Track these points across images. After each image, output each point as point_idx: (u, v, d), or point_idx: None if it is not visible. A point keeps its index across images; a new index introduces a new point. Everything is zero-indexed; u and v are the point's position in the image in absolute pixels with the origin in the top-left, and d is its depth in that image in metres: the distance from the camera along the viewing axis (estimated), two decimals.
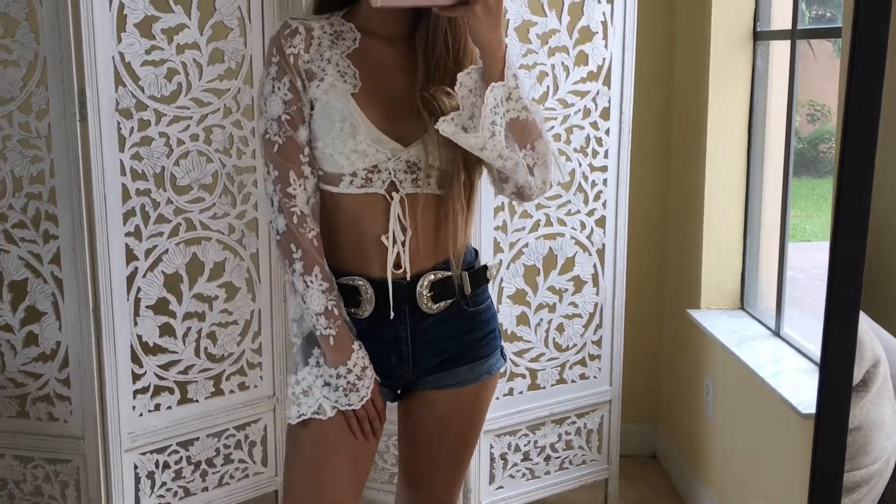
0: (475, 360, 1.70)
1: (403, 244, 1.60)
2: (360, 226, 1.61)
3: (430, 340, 1.66)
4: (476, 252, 1.74)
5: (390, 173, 1.58)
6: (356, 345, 1.61)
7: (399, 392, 1.74)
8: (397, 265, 1.61)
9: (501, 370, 1.79)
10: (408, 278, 1.62)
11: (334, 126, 1.56)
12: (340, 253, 1.64)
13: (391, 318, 1.62)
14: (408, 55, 1.61)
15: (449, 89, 1.56)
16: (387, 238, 1.59)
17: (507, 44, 1.52)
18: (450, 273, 1.64)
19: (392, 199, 1.58)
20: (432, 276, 1.63)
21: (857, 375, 1.23)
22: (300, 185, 1.59)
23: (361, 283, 1.62)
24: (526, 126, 1.54)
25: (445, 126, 1.49)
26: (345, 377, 1.60)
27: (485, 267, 1.72)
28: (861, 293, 1.10)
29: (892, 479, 1.33)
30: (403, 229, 1.60)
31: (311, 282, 1.59)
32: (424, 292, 1.63)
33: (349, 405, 1.60)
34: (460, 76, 1.50)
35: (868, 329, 1.27)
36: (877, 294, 1.35)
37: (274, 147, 1.58)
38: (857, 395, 1.23)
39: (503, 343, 1.79)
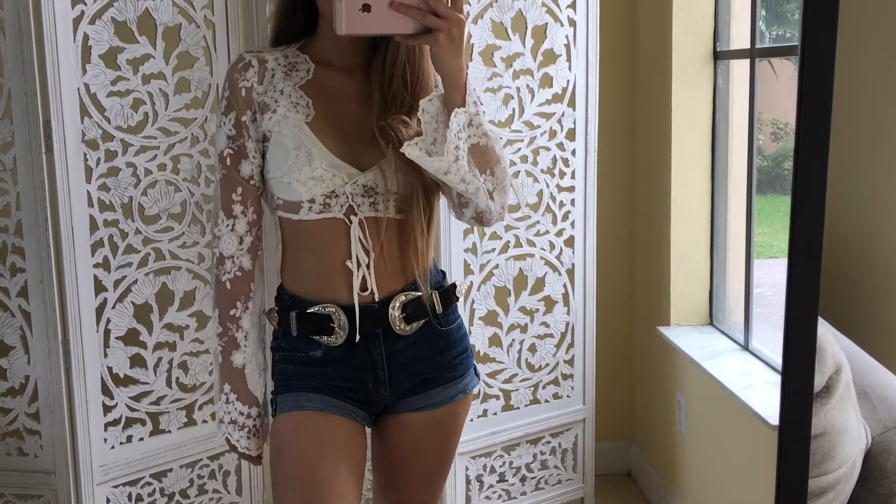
0: (449, 381, 1.71)
1: (368, 267, 1.61)
2: (324, 252, 1.62)
3: (404, 363, 1.67)
4: (443, 273, 1.76)
5: (347, 197, 1.59)
6: (227, 387, 1.69)
7: (374, 417, 1.75)
8: (364, 289, 1.62)
9: (475, 389, 1.80)
10: (376, 301, 1.63)
11: (289, 155, 1.58)
12: (309, 281, 1.65)
13: (356, 341, 1.63)
14: (364, 85, 1.63)
15: (405, 118, 1.58)
16: (351, 262, 1.60)
17: (467, 71, 1.54)
18: (420, 293, 1.65)
19: (351, 222, 1.60)
20: (403, 297, 1.64)
21: (820, 382, 1.25)
22: (228, 225, 1.64)
23: (333, 310, 1.62)
24: (486, 152, 1.57)
25: (411, 150, 1.51)
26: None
27: (454, 285, 1.73)
28: (818, 302, 1.12)
29: (858, 484, 1.35)
30: (367, 252, 1.61)
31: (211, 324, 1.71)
32: (397, 314, 1.64)
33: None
34: (423, 102, 1.52)
35: (829, 336, 1.29)
36: (837, 301, 1.37)
37: (218, 182, 1.64)
38: (821, 402, 1.25)
39: (476, 363, 1.80)
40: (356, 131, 1.60)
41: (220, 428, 1.71)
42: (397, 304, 1.64)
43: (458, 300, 1.74)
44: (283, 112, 1.58)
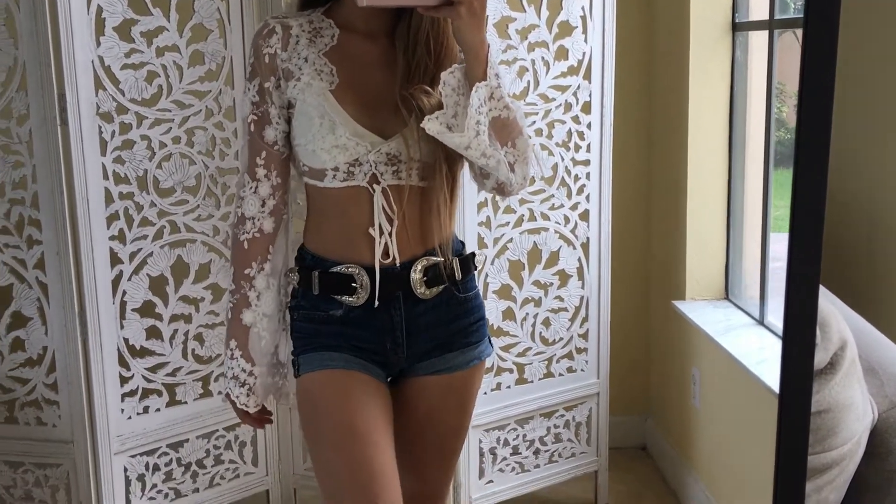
0: (465, 346, 1.72)
1: (391, 234, 1.62)
2: (348, 218, 1.64)
3: (423, 326, 1.68)
4: (462, 243, 1.76)
5: (371, 166, 1.60)
6: (233, 343, 1.70)
7: (390, 380, 1.76)
8: (386, 255, 1.63)
9: (489, 358, 1.80)
10: (398, 264, 1.63)
11: (313, 123, 1.59)
12: (332, 244, 1.67)
13: (375, 306, 1.64)
14: (388, 51, 1.64)
15: (427, 88, 1.58)
16: (373, 230, 1.61)
17: (489, 43, 1.53)
18: (441, 259, 1.66)
19: (374, 190, 1.60)
20: (425, 262, 1.65)
21: (825, 358, 1.24)
22: (251, 188, 1.65)
23: (356, 270, 1.63)
24: (507, 124, 1.57)
25: (431, 125, 1.51)
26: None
27: (472, 254, 1.74)
28: (819, 272, 1.11)
29: (864, 461, 1.34)
30: (390, 220, 1.62)
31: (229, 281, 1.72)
32: (418, 277, 1.65)
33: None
34: (444, 75, 1.52)
35: (835, 311, 1.28)
36: (847, 275, 1.36)
37: (244, 146, 1.66)
38: (825, 378, 1.25)
39: (489, 335, 1.81)
40: (380, 99, 1.61)
41: (224, 383, 1.74)
42: (419, 268, 1.65)
43: (476, 269, 1.75)
44: (307, 80, 1.59)
